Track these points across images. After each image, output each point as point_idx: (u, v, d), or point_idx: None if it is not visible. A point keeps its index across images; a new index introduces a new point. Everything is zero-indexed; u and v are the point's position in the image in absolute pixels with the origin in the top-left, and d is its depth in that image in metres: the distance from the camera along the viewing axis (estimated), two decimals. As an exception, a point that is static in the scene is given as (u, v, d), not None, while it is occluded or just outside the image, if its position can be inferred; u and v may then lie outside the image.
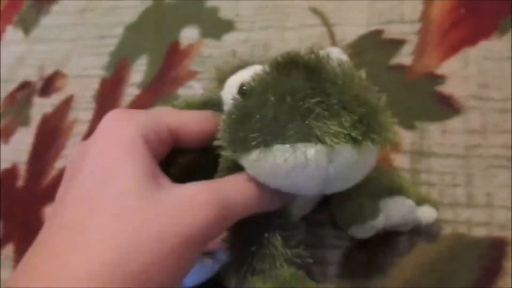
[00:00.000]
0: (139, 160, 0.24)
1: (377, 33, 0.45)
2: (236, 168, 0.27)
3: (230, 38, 0.50)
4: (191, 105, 0.31)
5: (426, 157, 0.37)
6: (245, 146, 0.24)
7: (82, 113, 0.50)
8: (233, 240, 0.29)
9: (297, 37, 0.47)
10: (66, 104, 0.51)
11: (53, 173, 0.47)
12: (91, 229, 0.22)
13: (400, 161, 0.37)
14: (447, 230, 0.33)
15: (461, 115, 0.38)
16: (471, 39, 0.41)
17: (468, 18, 0.42)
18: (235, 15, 0.51)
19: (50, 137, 0.49)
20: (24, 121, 0.52)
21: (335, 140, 0.23)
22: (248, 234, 0.28)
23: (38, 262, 0.22)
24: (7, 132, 0.52)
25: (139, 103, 0.48)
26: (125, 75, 0.51)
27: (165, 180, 0.25)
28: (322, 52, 0.25)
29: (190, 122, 0.28)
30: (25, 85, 0.55)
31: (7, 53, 0.58)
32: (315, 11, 0.48)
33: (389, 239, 0.34)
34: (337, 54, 0.27)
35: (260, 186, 0.26)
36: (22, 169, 0.49)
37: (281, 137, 0.23)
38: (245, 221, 0.28)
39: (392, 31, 0.44)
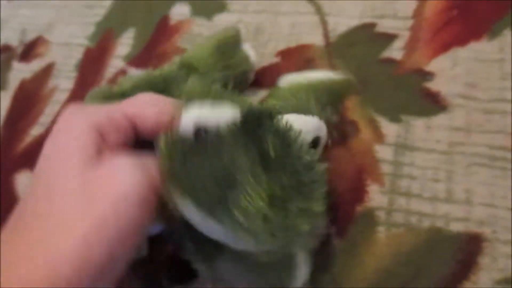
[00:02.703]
0: (83, 147, 0.25)
1: (370, 26, 0.45)
2: None
3: (221, 19, 0.49)
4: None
5: (409, 150, 0.37)
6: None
7: (63, 81, 0.48)
8: None
9: (290, 23, 0.47)
10: (47, 71, 0.50)
11: (28, 139, 0.45)
12: (35, 229, 0.23)
13: (384, 152, 0.37)
14: (425, 223, 0.34)
15: (446, 113, 0.38)
16: (462, 39, 0.41)
17: (460, 18, 0.43)
18: (229, -4, 0.50)
19: (27, 103, 0.48)
20: (2, 85, 0.50)
21: None
22: None
23: None
24: (-18, 94, 0.50)
25: (123, 76, 0.47)
26: (110, 47, 0.49)
27: (108, 157, 0.26)
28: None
29: (148, 111, 0.28)
30: (5, 49, 0.53)
31: (-12, 15, 0.56)
32: (309, -1, 0.48)
33: (367, 229, 0.34)
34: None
35: None
36: (-4, 133, 0.47)
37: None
38: None
39: (385, 25, 0.44)
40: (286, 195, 0.24)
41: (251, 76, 0.42)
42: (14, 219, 0.24)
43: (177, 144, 0.25)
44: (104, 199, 0.23)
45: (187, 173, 0.24)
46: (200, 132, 0.26)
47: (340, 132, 0.38)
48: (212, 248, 0.29)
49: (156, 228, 0.32)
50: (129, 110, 0.28)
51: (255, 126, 0.26)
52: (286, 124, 0.27)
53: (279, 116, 0.28)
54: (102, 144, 0.26)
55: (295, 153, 0.26)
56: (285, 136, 0.26)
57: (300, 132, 0.27)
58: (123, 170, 0.24)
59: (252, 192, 0.24)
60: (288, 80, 0.36)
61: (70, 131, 0.26)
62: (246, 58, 0.40)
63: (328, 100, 0.34)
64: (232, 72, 0.38)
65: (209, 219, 0.24)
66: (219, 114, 0.27)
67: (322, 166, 0.27)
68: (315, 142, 0.30)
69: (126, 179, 0.24)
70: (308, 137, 0.28)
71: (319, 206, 0.25)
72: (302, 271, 0.31)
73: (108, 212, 0.23)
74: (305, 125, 0.29)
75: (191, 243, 0.30)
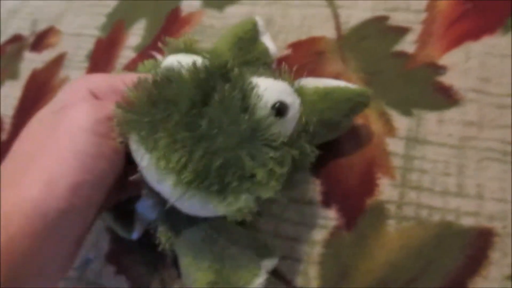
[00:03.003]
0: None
1: (382, 19, 0.44)
2: None
3: (232, 11, 0.49)
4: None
5: (421, 144, 0.36)
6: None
7: (74, 72, 0.49)
8: None
9: (301, 15, 0.47)
10: (58, 61, 0.50)
11: (38, 129, 0.46)
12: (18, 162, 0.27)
13: (395, 146, 0.37)
14: (435, 217, 0.33)
15: (459, 107, 0.38)
16: (475, 33, 0.41)
17: (474, 12, 0.42)
18: (240, -13, 0.50)
19: (38, 93, 0.48)
20: (13, 75, 0.50)
21: None
22: None
23: None
24: (-6, 84, 0.51)
25: (133, 67, 0.47)
26: (121, 37, 0.50)
27: None
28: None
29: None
30: (16, 38, 0.53)
31: (-1, 5, 0.57)
32: (321, -9, 0.48)
33: (376, 222, 0.34)
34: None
35: None
36: (8, 123, 0.47)
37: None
38: None
39: (397, 19, 0.44)
40: (216, 140, 0.25)
41: (272, 67, 0.41)
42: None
43: (143, 85, 0.27)
44: (62, 131, 0.27)
45: (136, 108, 0.26)
46: (171, 77, 0.27)
47: (354, 136, 0.38)
48: (180, 220, 0.30)
49: (152, 214, 0.32)
50: (129, 77, 0.30)
51: (217, 74, 0.27)
52: (249, 80, 0.28)
53: (247, 75, 0.29)
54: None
55: (240, 102, 0.26)
56: (238, 86, 0.27)
57: (254, 84, 0.27)
58: (80, 106, 0.28)
59: (180, 124, 0.25)
60: (304, 83, 0.35)
61: (65, 94, 0.30)
62: (265, 50, 0.39)
63: (342, 107, 0.34)
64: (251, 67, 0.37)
65: (143, 149, 0.26)
66: (189, 60, 0.28)
67: (276, 135, 0.26)
68: (280, 109, 0.29)
69: (80, 112, 0.27)
70: (268, 95, 0.28)
71: (258, 170, 0.25)
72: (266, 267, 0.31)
73: (66, 144, 0.26)
74: (268, 84, 0.29)
75: (162, 215, 0.31)
